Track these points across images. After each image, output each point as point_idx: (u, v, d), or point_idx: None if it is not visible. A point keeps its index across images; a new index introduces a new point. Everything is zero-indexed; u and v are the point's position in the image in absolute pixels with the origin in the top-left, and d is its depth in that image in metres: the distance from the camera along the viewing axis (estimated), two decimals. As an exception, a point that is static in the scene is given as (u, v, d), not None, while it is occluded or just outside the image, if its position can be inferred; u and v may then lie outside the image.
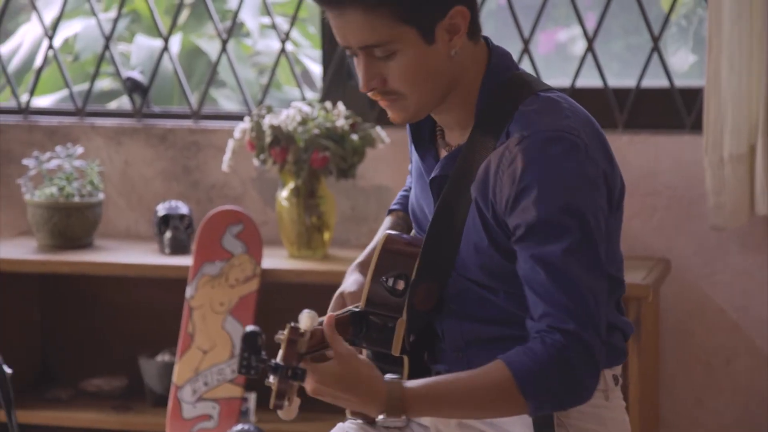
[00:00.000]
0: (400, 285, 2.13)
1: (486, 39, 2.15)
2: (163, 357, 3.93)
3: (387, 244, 2.17)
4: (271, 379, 1.93)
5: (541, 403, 2.01)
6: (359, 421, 2.20)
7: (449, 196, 2.11)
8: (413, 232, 2.29)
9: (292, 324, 1.93)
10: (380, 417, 2.00)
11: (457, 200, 2.10)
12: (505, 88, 2.10)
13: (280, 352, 1.93)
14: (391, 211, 2.37)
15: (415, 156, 2.24)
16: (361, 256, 2.29)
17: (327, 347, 2.03)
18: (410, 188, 2.37)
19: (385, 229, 2.32)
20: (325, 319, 2.03)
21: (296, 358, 1.92)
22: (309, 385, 1.98)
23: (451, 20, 2.07)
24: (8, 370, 2.57)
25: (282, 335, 1.94)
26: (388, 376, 2.03)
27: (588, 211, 2.02)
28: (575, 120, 2.06)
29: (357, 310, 2.16)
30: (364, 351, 2.19)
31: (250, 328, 1.91)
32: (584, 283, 2.01)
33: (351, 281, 2.25)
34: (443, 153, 2.17)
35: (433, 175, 2.15)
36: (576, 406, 2.06)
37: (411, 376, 2.13)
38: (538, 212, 2.00)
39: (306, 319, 1.93)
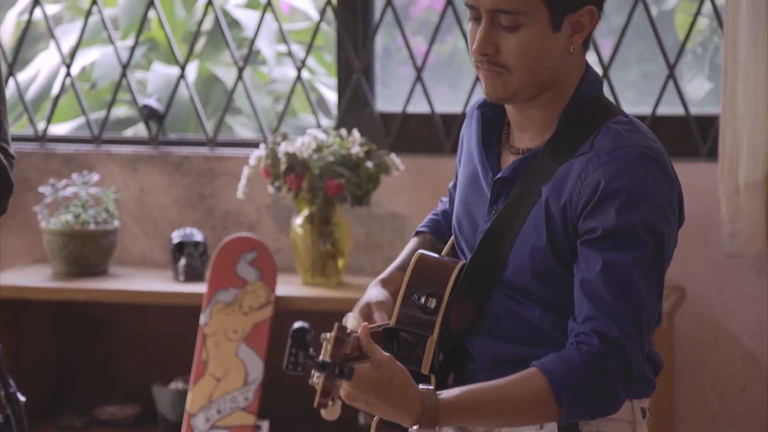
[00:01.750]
0: (432, 303, 2.13)
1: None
2: (176, 384, 3.93)
3: (420, 262, 2.17)
4: (316, 378, 1.92)
5: (575, 411, 2.01)
6: None
7: (517, 195, 2.10)
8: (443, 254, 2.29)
9: (339, 323, 1.93)
10: (414, 427, 1.99)
11: (524, 202, 2.10)
12: (594, 102, 2.12)
13: (327, 350, 1.92)
14: (418, 233, 2.36)
15: (467, 167, 2.22)
16: (384, 273, 2.29)
17: (362, 356, 2.02)
18: (442, 211, 2.36)
19: (411, 249, 2.32)
20: (360, 328, 2.02)
21: (342, 357, 1.91)
22: (344, 389, 1.98)
23: (581, 17, 2.08)
24: (22, 398, 2.57)
25: (329, 335, 1.93)
26: (423, 386, 2.02)
27: (665, 233, 2.04)
28: (660, 146, 2.09)
29: (389, 326, 2.16)
30: None
31: (298, 324, 1.90)
32: (642, 298, 2.02)
33: (375, 293, 2.24)
34: (507, 155, 2.16)
35: (500, 175, 2.14)
36: (607, 415, 2.05)
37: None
38: (619, 219, 2.01)
39: (353, 320, 1.94)
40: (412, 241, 2.35)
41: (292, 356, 1.89)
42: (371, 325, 2.13)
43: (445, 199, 2.39)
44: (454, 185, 2.32)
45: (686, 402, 3.83)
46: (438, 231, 2.35)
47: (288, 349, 1.89)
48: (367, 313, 2.23)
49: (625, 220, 2.01)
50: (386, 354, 2.01)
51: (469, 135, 2.24)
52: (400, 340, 2.14)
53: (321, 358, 1.90)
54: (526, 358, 2.08)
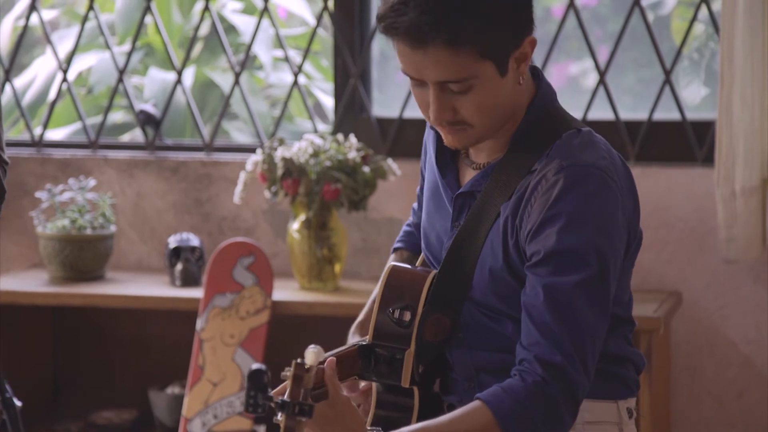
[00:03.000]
0: (407, 316, 2.13)
1: (534, 67, 2.15)
2: (173, 389, 3.92)
3: (392, 275, 2.17)
4: (279, 416, 1.93)
5: None
6: None
7: (477, 211, 2.10)
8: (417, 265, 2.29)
9: (298, 360, 1.93)
10: None
11: (483, 220, 2.10)
12: (549, 115, 2.11)
13: (287, 389, 1.93)
14: (396, 250, 2.37)
15: (430, 176, 2.23)
16: (360, 316, 2.30)
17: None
18: (414, 223, 2.37)
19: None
20: (328, 361, 2.03)
21: (302, 394, 1.91)
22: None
23: (523, 49, 2.07)
24: (18, 403, 2.57)
25: (288, 372, 1.94)
26: (372, 428, 2.03)
27: (609, 253, 2.03)
28: (611, 162, 2.07)
29: (364, 343, 2.16)
30: (374, 384, 2.18)
31: (255, 366, 1.91)
32: (586, 321, 2.01)
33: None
34: (467, 170, 2.16)
35: (460, 190, 2.14)
36: None
37: (422, 408, 2.13)
38: (560, 242, 2.00)
39: (311, 356, 1.93)
40: (391, 258, 2.36)
41: (251, 398, 1.90)
42: (343, 348, 2.14)
43: (416, 205, 2.38)
44: (422, 189, 2.32)
45: (683, 407, 3.83)
46: (414, 245, 2.35)
47: (246, 392, 1.90)
48: (362, 333, 2.25)
49: (567, 242, 2.00)
50: (344, 394, 2.02)
51: (433, 144, 2.23)
52: (377, 355, 2.14)
53: (281, 398, 1.90)
54: (506, 366, 2.08)
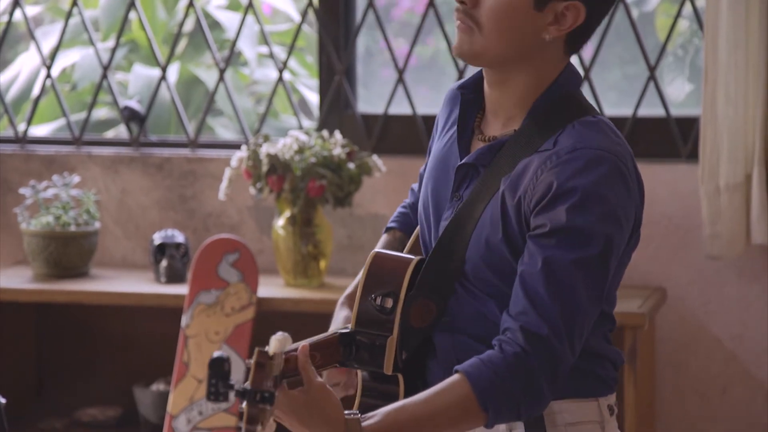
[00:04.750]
0: (389, 303, 2.11)
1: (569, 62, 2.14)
2: (158, 386, 3.92)
3: (374, 263, 2.15)
4: (242, 405, 1.92)
5: (501, 415, 2.00)
6: None
7: (479, 187, 2.09)
8: (407, 248, 2.28)
9: (259, 348, 1.93)
10: None
11: (483, 193, 2.08)
12: (565, 99, 2.10)
13: (249, 377, 1.93)
14: (388, 229, 2.34)
15: (439, 144, 2.21)
16: (349, 288, 2.28)
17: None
18: (409, 204, 2.36)
19: (379, 248, 2.31)
20: (299, 346, 2.02)
21: (266, 382, 1.91)
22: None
23: (566, 9, 2.06)
24: (2, 400, 2.56)
25: (251, 361, 1.94)
26: (348, 413, 2.02)
27: (615, 238, 2.02)
28: (625, 150, 2.07)
29: (345, 331, 2.15)
30: (359, 372, 2.18)
31: (216, 353, 1.91)
32: (580, 300, 2.00)
33: (341, 318, 2.23)
34: (476, 142, 2.15)
35: (464, 161, 2.13)
36: (534, 415, 2.04)
37: (408, 395, 2.12)
38: (570, 219, 1.99)
39: (274, 343, 1.92)
40: (383, 238, 2.33)
41: (212, 387, 1.89)
42: (323, 336, 2.12)
43: (416, 186, 2.36)
44: (426, 169, 2.30)
45: (667, 403, 3.84)
46: (407, 225, 2.33)
47: (207, 380, 1.90)
48: (350, 305, 2.22)
49: (575, 219, 1.99)
50: (318, 380, 2.00)
51: (446, 116, 2.22)
52: (358, 343, 2.12)
53: (242, 385, 1.89)
54: None
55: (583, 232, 2.00)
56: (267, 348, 1.92)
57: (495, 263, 2.07)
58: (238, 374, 3.68)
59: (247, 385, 1.89)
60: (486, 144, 2.12)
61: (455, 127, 2.17)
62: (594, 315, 2.04)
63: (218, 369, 1.89)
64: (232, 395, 1.91)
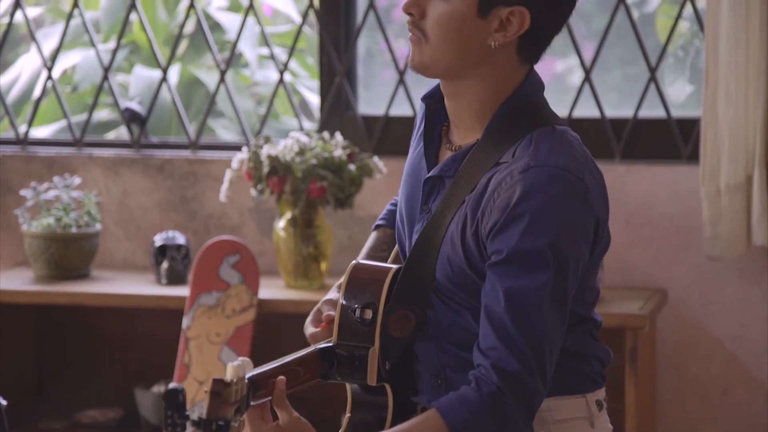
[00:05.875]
0: (368, 314, 2.11)
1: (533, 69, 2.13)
2: (159, 388, 3.92)
3: (353, 274, 2.15)
4: None
5: None
6: None
7: (446, 199, 2.08)
8: (393, 254, 2.27)
9: (215, 377, 1.93)
10: None
11: (449, 207, 2.08)
12: (528, 107, 2.09)
13: (204, 406, 1.93)
14: (377, 227, 2.34)
15: (411, 154, 2.21)
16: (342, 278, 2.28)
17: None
18: (398, 201, 2.36)
19: (370, 245, 2.31)
20: (278, 381, 2.03)
21: (223, 411, 1.90)
22: None
23: (511, 15, 2.05)
24: (3, 402, 2.56)
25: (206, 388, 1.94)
26: None
27: (570, 256, 2.01)
28: (583, 163, 2.05)
29: (323, 346, 2.14)
30: (348, 386, 2.17)
31: (171, 385, 1.91)
32: (546, 327, 2.00)
33: (329, 294, 2.24)
34: (443, 151, 2.15)
35: (430, 174, 2.13)
36: None
37: (396, 404, 2.12)
38: (522, 242, 1.99)
39: (231, 370, 1.93)
40: (372, 236, 2.33)
41: (169, 418, 1.90)
42: (303, 352, 2.12)
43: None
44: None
45: (668, 405, 3.84)
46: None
47: (163, 411, 1.90)
48: (317, 318, 2.23)
49: (530, 242, 1.98)
50: (294, 415, 2.01)
51: (419, 124, 2.22)
52: (339, 357, 2.12)
53: (198, 415, 1.89)
54: (472, 363, 2.06)
55: (539, 256, 1.99)
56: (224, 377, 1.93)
57: (460, 281, 2.07)
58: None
59: (204, 414, 1.90)
60: (451, 154, 2.12)
61: (423, 139, 2.17)
62: (561, 336, 2.03)
63: (173, 400, 1.90)
64: (188, 426, 1.91)
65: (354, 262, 2.18)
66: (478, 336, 2.03)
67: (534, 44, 2.08)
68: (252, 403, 1.99)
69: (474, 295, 2.06)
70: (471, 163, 2.07)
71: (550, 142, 2.04)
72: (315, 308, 2.25)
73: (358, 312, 2.12)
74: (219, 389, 1.91)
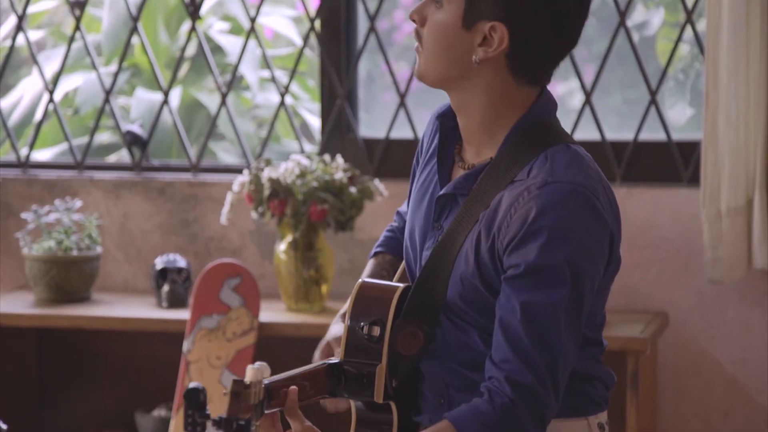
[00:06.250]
0: (376, 331, 2.12)
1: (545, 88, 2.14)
2: (159, 412, 3.91)
3: (360, 292, 2.16)
4: None
5: None
6: None
7: (459, 218, 2.09)
8: (398, 274, 2.28)
9: (235, 378, 1.94)
10: None
11: (463, 225, 2.09)
12: (541, 127, 2.10)
13: (226, 406, 1.93)
14: (376, 254, 2.35)
15: (423, 172, 2.21)
16: (345, 307, 2.28)
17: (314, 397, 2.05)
18: (396, 228, 2.36)
19: (367, 273, 2.31)
20: (290, 391, 2.03)
21: (243, 411, 1.92)
22: None
23: (492, 30, 2.07)
24: (3, 426, 2.56)
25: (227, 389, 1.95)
26: None
27: (586, 273, 2.03)
28: (597, 181, 2.07)
29: (333, 362, 2.15)
30: (352, 403, 2.18)
31: (192, 384, 1.92)
32: (561, 342, 2.01)
33: (335, 330, 2.24)
34: (456, 170, 2.16)
35: (442, 191, 2.14)
36: None
37: (401, 422, 2.13)
38: (540, 257, 2.00)
39: (251, 372, 1.94)
40: (370, 263, 2.34)
41: (189, 417, 1.91)
42: (312, 366, 2.13)
43: (404, 209, 2.37)
44: (411, 193, 2.30)
45: (669, 428, 3.83)
46: (395, 249, 2.34)
47: (184, 410, 1.91)
48: (328, 353, 2.24)
49: (548, 258, 2.00)
50: (307, 423, 2.02)
51: (428, 142, 2.23)
52: (347, 373, 2.13)
53: (219, 415, 1.91)
54: (474, 385, 2.07)
55: (557, 271, 2.00)
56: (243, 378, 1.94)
57: (472, 299, 2.08)
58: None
59: (224, 414, 1.90)
60: (464, 173, 2.13)
61: (437, 157, 2.18)
62: (575, 351, 2.05)
63: (194, 399, 1.91)
64: (209, 425, 1.92)
65: (361, 280, 2.19)
66: (491, 349, 2.04)
67: (522, 64, 2.08)
68: (265, 412, 2.00)
69: (483, 313, 2.07)
70: (486, 180, 2.09)
71: (565, 159, 2.06)
72: (324, 342, 2.25)
73: (365, 329, 2.12)
74: (239, 390, 1.93)
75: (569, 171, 2.04)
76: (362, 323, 2.13)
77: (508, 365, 2.00)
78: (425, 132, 2.26)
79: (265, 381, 2.01)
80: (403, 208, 2.37)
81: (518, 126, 2.10)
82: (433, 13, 2.10)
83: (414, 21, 2.12)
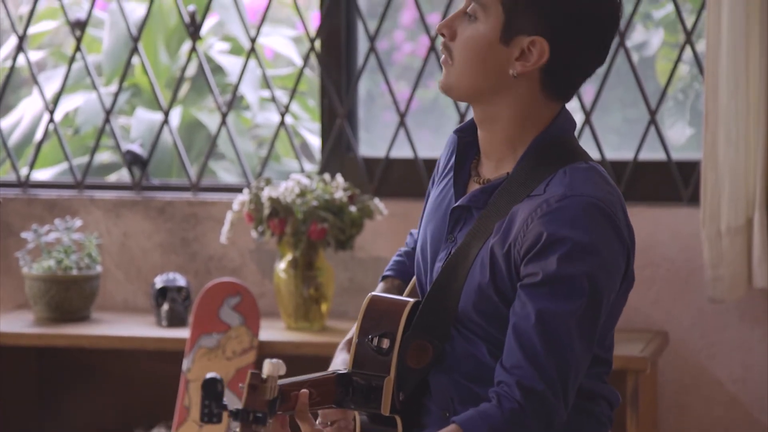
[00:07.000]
0: (385, 344, 2.12)
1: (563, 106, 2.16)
2: (158, 430, 3.91)
3: (370, 305, 2.17)
4: (234, 426, 1.94)
5: None
6: None
7: (474, 230, 2.10)
8: (408, 289, 2.28)
9: (252, 371, 1.95)
10: None
11: (477, 237, 2.10)
12: (558, 144, 2.12)
13: (243, 398, 1.94)
14: (385, 278, 2.36)
15: (439, 185, 2.22)
16: (349, 334, 2.28)
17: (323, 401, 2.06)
18: (406, 252, 2.36)
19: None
20: (300, 395, 2.04)
21: (259, 404, 1.92)
22: None
23: (531, 45, 2.08)
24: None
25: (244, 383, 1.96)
26: None
27: (604, 286, 2.04)
28: (616, 197, 2.09)
29: (342, 372, 2.15)
30: (357, 414, 2.18)
31: (209, 375, 1.93)
32: (573, 351, 2.01)
33: (339, 361, 2.24)
34: (472, 184, 2.17)
35: (458, 203, 2.15)
36: None
37: None
38: (561, 267, 2.01)
39: (268, 366, 1.95)
40: (379, 286, 2.34)
41: (205, 407, 1.93)
42: (322, 374, 2.13)
43: (416, 231, 2.37)
44: (424, 213, 2.31)
45: (670, 447, 3.82)
46: (404, 273, 2.34)
47: (201, 400, 1.92)
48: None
49: (567, 269, 2.01)
50: (317, 427, 2.03)
51: (445, 160, 2.25)
52: (355, 384, 2.13)
53: (236, 406, 1.92)
54: (479, 398, 2.07)
55: (575, 282, 2.01)
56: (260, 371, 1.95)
57: (485, 309, 2.08)
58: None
59: (241, 405, 1.91)
60: (480, 186, 2.13)
61: (453, 171, 2.19)
62: (586, 363, 2.05)
63: (211, 389, 1.92)
64: (224, 416, 1.93)
65: (371, 294, 2.20)
66: (498, 361, 2.04)
67: (556, 79, 2.11)
68: (277, 412, 2.00)
69: (494, 323, 2.07)
70: (502, 194, 2.10)
71: (584, 174, 2.08)
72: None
73: (375, 341, 2.13)
74: (256, 383, 1.93)
75: (588, 186, 2.06)
76: (372, 335, 2.13)
77: (520, 371, 2.01)
78: (442, 153, 2.27)
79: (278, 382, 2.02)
80: (416, 230, 2.38)
81: (538, 141, 2.11)
82: (466, 27, 2.10)
83: (443, 35, 2.13)
